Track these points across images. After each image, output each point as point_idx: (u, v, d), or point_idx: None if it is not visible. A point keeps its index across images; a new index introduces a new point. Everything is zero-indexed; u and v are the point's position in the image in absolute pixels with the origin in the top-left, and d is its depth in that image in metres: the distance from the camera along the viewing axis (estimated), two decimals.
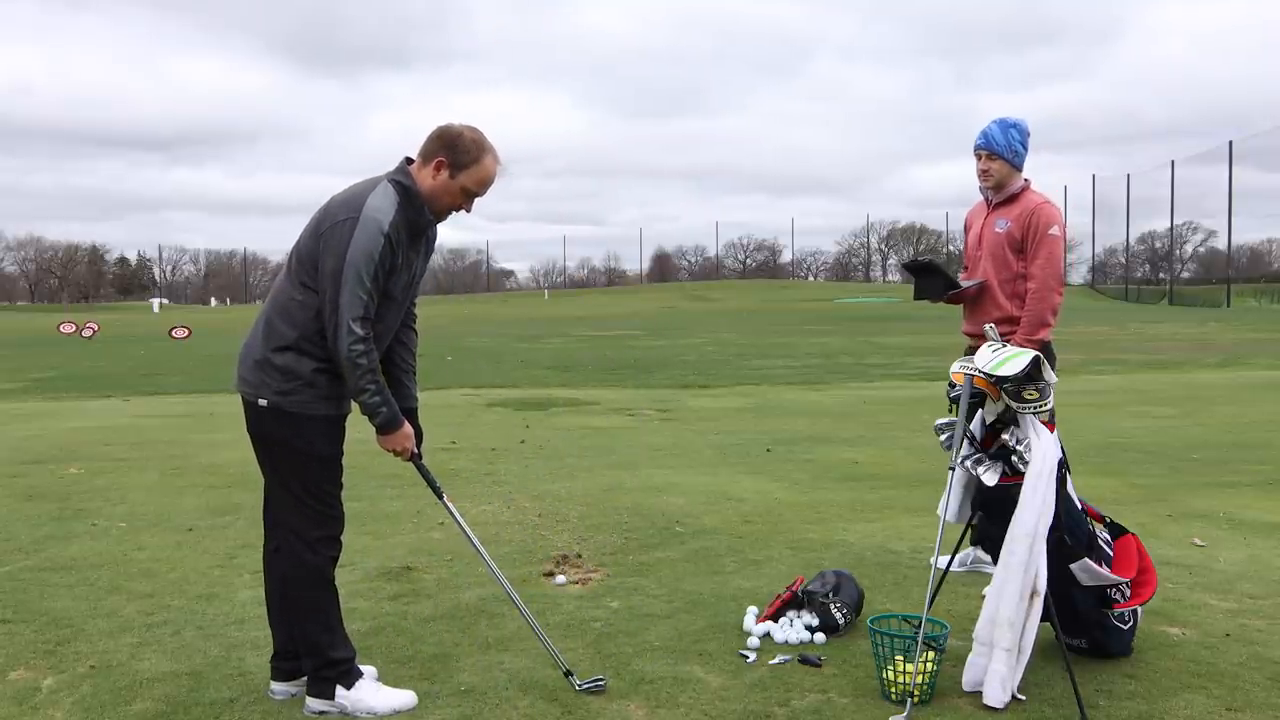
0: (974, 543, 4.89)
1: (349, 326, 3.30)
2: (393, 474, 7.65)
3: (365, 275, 3.30)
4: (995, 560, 3.76)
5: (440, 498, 3.78)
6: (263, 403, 3.44)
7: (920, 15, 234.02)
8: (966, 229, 5.18)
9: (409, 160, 3.49)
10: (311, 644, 3.52)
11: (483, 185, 3.48)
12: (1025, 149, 4.82)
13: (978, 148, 4.82)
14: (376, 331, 3.44)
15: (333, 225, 3.36)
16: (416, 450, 3.65)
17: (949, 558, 4.38)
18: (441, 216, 3.53)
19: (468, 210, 3.53)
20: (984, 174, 4.84)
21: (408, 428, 3.57)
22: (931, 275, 5.05)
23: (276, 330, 3.44)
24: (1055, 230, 4.73)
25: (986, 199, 4.97)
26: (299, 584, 3.51)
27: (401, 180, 3.43)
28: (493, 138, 3.50)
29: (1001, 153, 4.75)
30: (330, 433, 3.52)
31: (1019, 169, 4.83)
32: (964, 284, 4.98)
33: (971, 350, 4.94)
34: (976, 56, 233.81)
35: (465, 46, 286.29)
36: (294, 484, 3.49)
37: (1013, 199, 4.83)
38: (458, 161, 3.41)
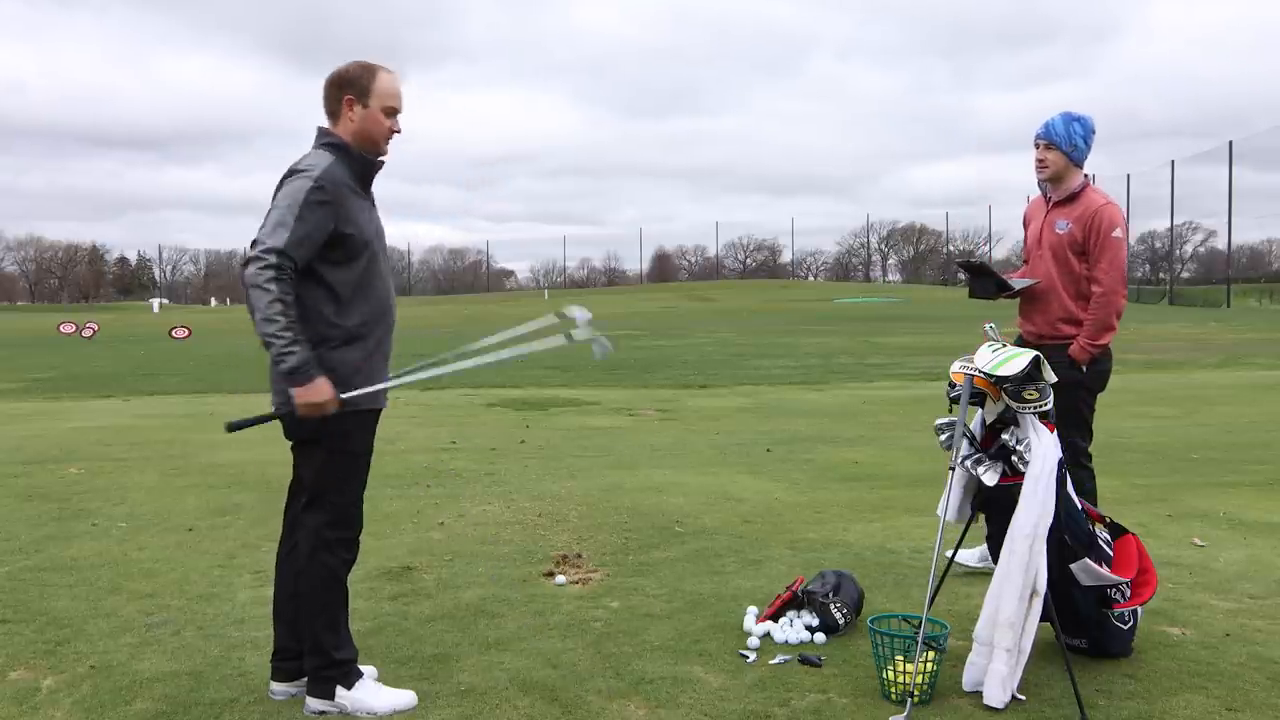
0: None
1: (259, 252, 3.23)
2: (393, 474, 7.66)
3: (290, 214, 3.28)
4: (996, 560, 3.76)
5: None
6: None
7: (917, 14, 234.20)
8: (1025, 224, 5.13)
9: (323, 127, 3.52)
10: (316, 643, 3.52)
11: (395, 97, 3.51)
12: (1087, 146, 4.76)
13: (1037, 137, 4.79)
14: (377, 294, 3.48)
15: (279, 188, 3.40)
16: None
17: (952, 550, 4.39)
18: (381, 148, 3.54)
19: (398, 130, 3.53)
20: (1040, 164, 4.80)
21: (327, 384, 3.32)
22: (984, 275, 5.03)
23: None
24: (1118, 233, 4.71)
25: (1045, 194, 4.92)
26: (312, 582, 3.51)
27: (328, 140, 3.47)
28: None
29: (1060, 143, 4.72)
30: (365, 426, 3.55)
31: (1078, 165, 4.78)
32: (1016, 283, 4.94)
33: (1023, 345, 4.92)
34: (975, 55, 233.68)
35: (459, 45, 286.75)
36: (328, 483, 3.50)
37: (1073, 198, 4.79)
38: (361, 89, 3.45)
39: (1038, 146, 4.79)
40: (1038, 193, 5.01)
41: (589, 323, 3.63)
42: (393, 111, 3.51)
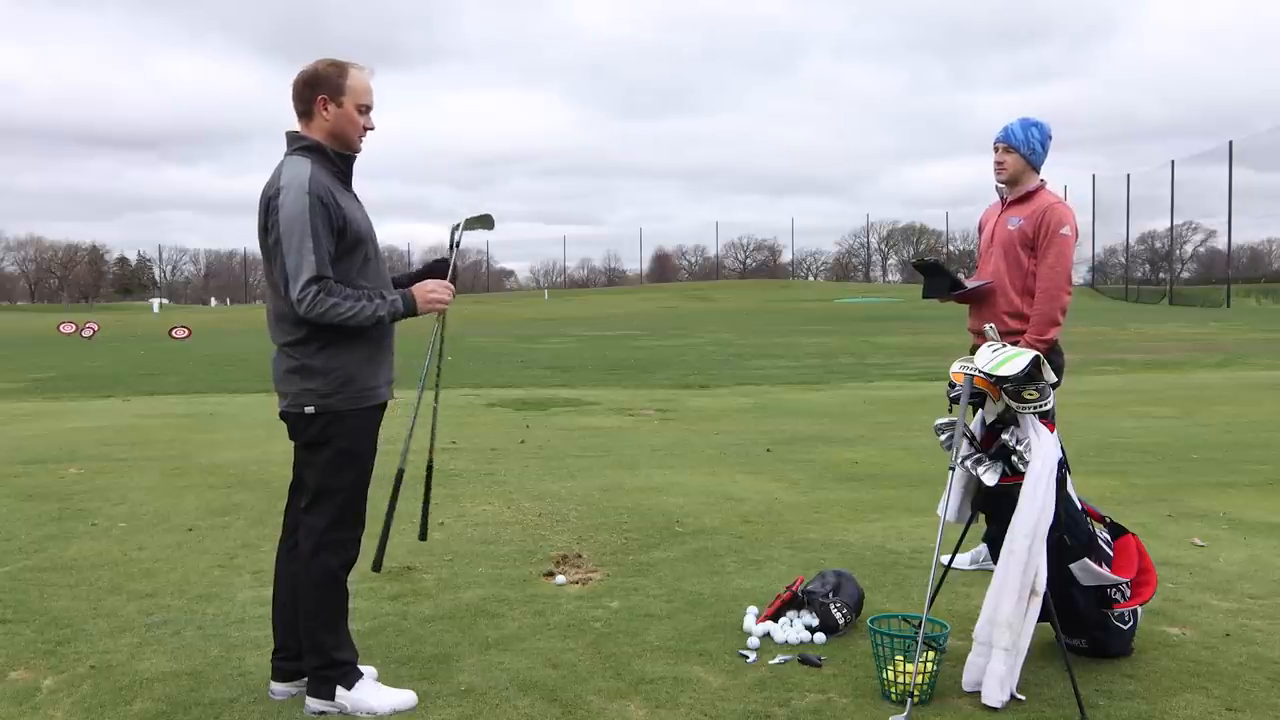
0: (985, 539, 4.89)
1: (300, 292, 3.29)
2: (392, 475, 7.64)
3: (307, 234, 3.30)
4: (996, 560, 3.76)
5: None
6: (309, 410, 3.44)
7: (912, 12, 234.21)
8: (980, 229, 5.22)
9: (294, 132, 3.51)
10: (316, 643, 3.52)
11: (368, 94, 3.51)
12: (1044, 150, 4.88)
13: (996, 141, 4.89)
14: (377, 288, 3.48)
15: (267, 212, 3.39)
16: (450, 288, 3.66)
17: (949, 556, 4.39)
18: (356, 146, 3.54)
19: (371, 128, 3.54)
20: (999, 166, 4.89)
21: (419, 292, 3.53)
22: (938, 275, 5.08)
23: (289, 337, 3.46)
24: (1067, 230, 4.77)
25: (1001, 197, 5.01)
26: (312, 583, 3.51)
27: (303, 144, 3.46)
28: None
29: (1018, 147, 4.82)
30: (370, 425, 3.56)
31: (1035, 169, 4.88)
32: (969, 284, 5.00)
33: (976, 348, 4.96)
34: (972, 54, 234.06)
35: (454, 45, 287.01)
36: (331, 483, 3.49)
37: (1027, 197, 4.88)
38: (334, 88, 3.44)
39: (996, 149, 4.89)
40: (995, 199, 5.09)
41: (471, 219, 3.87)
42: (366, 109, 3.51)
